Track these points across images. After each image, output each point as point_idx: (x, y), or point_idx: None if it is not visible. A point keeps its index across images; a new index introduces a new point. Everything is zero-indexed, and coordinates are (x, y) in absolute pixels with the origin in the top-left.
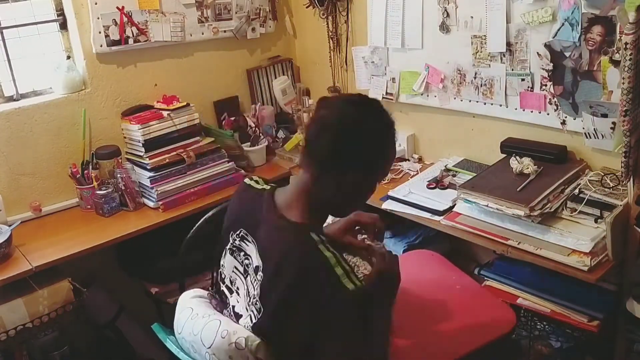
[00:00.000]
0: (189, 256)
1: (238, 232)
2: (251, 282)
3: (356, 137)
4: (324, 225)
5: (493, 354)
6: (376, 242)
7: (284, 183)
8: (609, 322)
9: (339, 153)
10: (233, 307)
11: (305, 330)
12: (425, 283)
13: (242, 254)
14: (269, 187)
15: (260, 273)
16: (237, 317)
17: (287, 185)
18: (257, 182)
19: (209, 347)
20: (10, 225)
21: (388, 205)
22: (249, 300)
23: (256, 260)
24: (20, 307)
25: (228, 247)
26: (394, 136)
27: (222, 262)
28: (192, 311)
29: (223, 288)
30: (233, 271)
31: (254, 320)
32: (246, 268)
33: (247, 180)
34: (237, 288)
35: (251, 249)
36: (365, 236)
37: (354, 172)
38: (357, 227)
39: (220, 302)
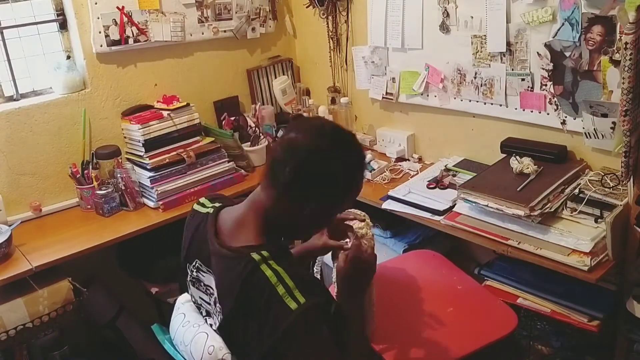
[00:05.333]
0: None
1: (193, 264)
2: (215, 312)
3: (321, 170)
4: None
5: (494, 354)
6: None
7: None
8: (609, 322)
9: (301, 182)
10: (211, 325)
11: (268, 355)
12: (426, 283)
13: (202, 284)
14: (212, 210)
15: (218, 305)
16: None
17: (235, 202)
18: (203, 205)
19: None
20: (10, 225)
21: (388, 205)
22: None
23: (215, 291)
24: (21, 307)
25: (189, 279)
26: (362, 173)
27: (190, 293)
28: (184, 317)
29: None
30: (201, 303)
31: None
32: (211, 298)
33: (195, 204)
34: (213, 314)
35: (209, 279)
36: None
37: (312, 203)
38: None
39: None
